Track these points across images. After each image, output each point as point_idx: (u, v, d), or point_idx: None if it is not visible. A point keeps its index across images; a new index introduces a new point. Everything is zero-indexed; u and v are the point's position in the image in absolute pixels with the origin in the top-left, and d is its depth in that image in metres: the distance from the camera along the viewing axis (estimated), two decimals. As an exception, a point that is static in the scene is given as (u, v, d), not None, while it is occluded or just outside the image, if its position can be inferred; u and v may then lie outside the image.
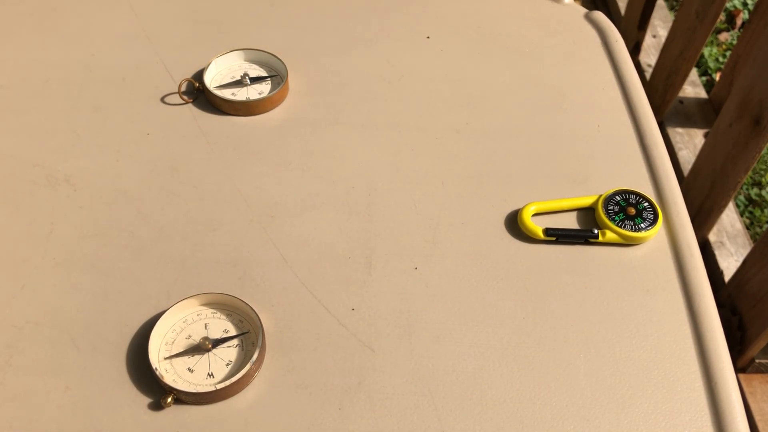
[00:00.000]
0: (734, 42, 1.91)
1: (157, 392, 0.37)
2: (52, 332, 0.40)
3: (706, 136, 1.49)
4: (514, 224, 0.47)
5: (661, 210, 0.47)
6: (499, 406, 0.38)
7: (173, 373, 0.38)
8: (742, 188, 1.52)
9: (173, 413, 0.37)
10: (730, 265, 1.22)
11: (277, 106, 0.54)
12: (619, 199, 0.47)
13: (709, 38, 1.72)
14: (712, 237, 1.30)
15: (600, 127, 0.54)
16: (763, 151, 1.23)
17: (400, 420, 0.37)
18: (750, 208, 1.51)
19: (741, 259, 1.24)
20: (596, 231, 0.45)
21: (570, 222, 0.47)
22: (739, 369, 1.01)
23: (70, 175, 0.48)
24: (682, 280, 0.44)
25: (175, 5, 0.62)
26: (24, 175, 0.48)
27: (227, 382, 0.37)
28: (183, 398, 0.37)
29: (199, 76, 0.55)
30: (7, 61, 0.56)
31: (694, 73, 1.70)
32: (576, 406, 0.38)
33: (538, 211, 0.47)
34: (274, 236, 0.45)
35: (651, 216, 0.46)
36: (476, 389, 0.38)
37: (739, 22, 1.95)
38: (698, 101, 1.63)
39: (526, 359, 0.40)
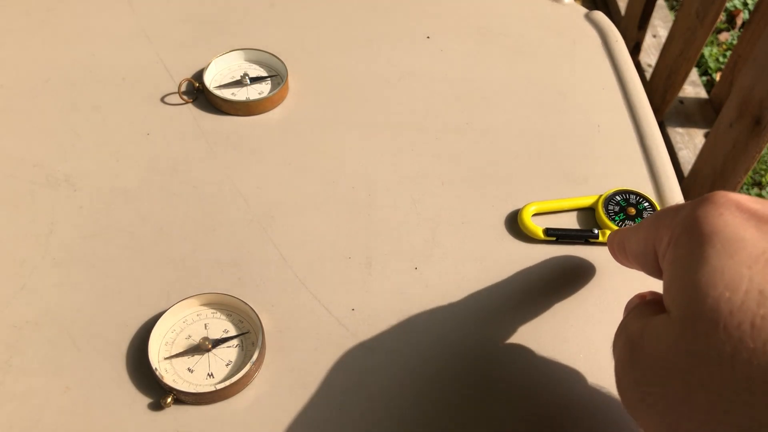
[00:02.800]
0: (734, 42, 1.91)
1: (157, 392, 0.37)
2: (52, 332, 0.40)
3: (706, 136, 1.49)
4: (514, 224, 0.47)
5: (661, 210, 0.47)
6: (499, 407, 0.38)
7: (173, 374, 0.38)
8: (742, 188, 1.52)
9: (173, 413, 0.37)
10: (730, 265, 1.22)
11: (277, 106, 0.54)
12: (619, 199, 0.47)
13: (710, 38, 1.72)
14: (712, 237, 1.30)
15: (600, 127, 0.54)
16: (763, 151, 1.23)
17: (400, 420, 0.37)
18: (750, 208, 1.50)
19: (741, 259, 1.24)
20: (596, 231, 0.45)
21: (570, 222, 0.47)
22: (739, 369, 1.01)
23: (70, 175, 0.48)
24: (682, 280, 0.43)
25: (175, 5, 0.62)
26: (24, 175, 0.48)
27: (227, 382, 0.37)
28: (183, 398, 0.37)
29: (199, 76, 0.55)
30: (7, 61, 0.56)
31: (694, 73, 1.70)
32: (576, 406, 0.38)
33: (538, 211, 0.47)
34: (274, 236, 0.45)
35: (651, 216, 0.46)
36: (476, 389, 0.38)
37: (739, 22, 1.95)
38: (698, 101, 1.63)
39: (526, 359, 0.40)
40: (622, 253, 0.38)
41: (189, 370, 0.38)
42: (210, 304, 0.41)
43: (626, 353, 0.29)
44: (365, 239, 0.45)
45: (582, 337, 0.41)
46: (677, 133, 1.51)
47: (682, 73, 1.43)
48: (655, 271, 0.33)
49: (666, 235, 0.30)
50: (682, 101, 1.57)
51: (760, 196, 1.48)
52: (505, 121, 0.54)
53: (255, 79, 0.54)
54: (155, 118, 0.52)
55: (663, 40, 1.58)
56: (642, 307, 0.32)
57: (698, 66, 1.74)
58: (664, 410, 0.27)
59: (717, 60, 1.77)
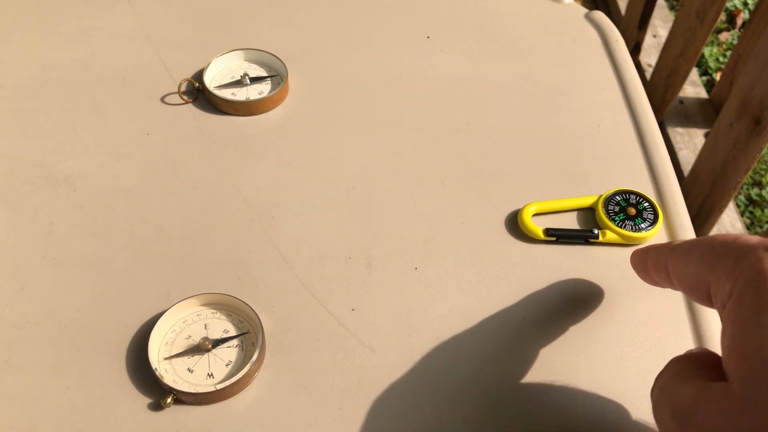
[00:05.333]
0: (734, 42, 1.91)
1: (157, 392, 0.37)
2: (52, 332, 0.40)
3: (706, 136, 1.49)
4: (514, 224, 0.47)
5: (661, 210, 0.47)
6: (498, 406, 0.38)
7: (173, 374, 0.38)
8: (742, 188, 1.52)
9: (173, 413, 0.37)
10: (730, 265, 1.22)
11: (277, 106, 0.54)
12: (619, 199, 0.47)
13: (710, 38, 1.72)
14: (712, 237, 1.29)
15: (600, 127, 0.54)
16: (763, 151, 1.23)
17: (400, 420, 0.37)
18: (750, 208, 1.51)
19: (741, 259, 1.24)
20: (596, 231, 0.45)
21: (570, 222, 0.47)
22: (739, 369, 1.01)
23: (70, 175, 0.48)
24: (682, 280, 0.43)
25: (175, 5, 0.62)
26: (24, 175, 0.48)
27: (227, 383, 0.37)
28: (183, 398, 0.37)
29: (199, 76, 0.55)
30: (7, 61, 0.56)
31: (694, 73, 1.70)
32: (576, 407, 0.38)
33: (538, 211, 0.47)
34: (274, 236, 0.45)
35: (651, 216, 0.46)
36: (476, 389, 0.38)
37: (739, 21, 1.95)
38: (698, 101, 1.63)
39: (525, 359, 0.40)
40: (662, 275, 0.34)
41: (189, 370, 0.38)
42: (210, 304, 0.41)
43: (676, 426, 0.26)
44: (365, 239, 0.45)
45: (582, 337, 0.41)
46: (677, 133, 1.51)
47: (682, 73, 1.43)
48: (705, 303, 0.30)
49: (726, 283, 0.27)
50: (682, 101, 1.57)
51: (760, 196, 1.48)
52: (505, 121, 0.54)
53: (255, 79, 0.54)
54: (155, 118, 0.52)
55: (663, 40, 1.58)
56: (690, 367, 0.29)
57: (698, 66, 1.74)
58: None
59: (717, 60, 1.77)
